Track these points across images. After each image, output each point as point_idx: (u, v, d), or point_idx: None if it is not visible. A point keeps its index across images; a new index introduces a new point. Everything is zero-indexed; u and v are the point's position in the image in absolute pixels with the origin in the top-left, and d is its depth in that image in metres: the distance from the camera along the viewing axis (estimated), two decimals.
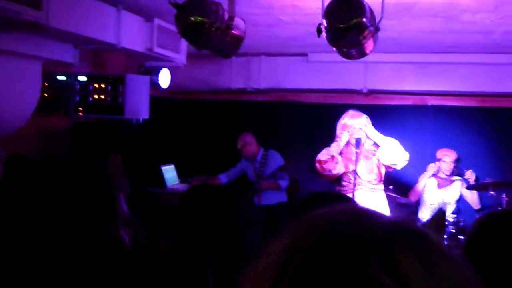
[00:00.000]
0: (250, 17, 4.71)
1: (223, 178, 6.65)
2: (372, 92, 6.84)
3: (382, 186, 5.19)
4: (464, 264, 0.67)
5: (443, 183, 6.34)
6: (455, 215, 5.99)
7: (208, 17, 2.91)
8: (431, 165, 6.36)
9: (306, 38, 5.28)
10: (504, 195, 5.78)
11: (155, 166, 6.40)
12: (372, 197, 5.03)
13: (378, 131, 5.46)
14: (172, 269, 1.48)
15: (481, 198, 6.27)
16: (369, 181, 5.05)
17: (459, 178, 6.33)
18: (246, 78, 6.85)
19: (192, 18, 2.89)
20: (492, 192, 5.87)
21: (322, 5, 3.02)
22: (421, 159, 6.64)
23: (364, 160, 5.06)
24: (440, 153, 6.34)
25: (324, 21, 2.89)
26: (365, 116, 5.14)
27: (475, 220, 1.63)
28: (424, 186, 6.31)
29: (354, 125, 5.01)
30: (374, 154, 5.11)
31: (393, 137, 6.73)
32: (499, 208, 5.59)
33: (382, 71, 6.67)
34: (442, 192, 6.31)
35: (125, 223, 1.90)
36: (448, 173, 6.28)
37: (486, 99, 6.75)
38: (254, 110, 7.21)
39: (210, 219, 1.75)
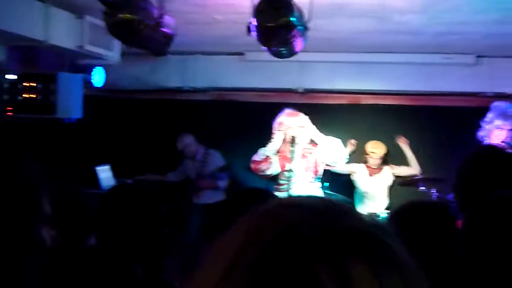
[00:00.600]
0: (184, 15, 4.69)
1: (172, 176, 6.67)
2: (308, 91, 6.91)
3: (319, 184, 5.26)
4: (420, 274, 0.64)
5: (374, 170, 6.55)
6: (388, 211, 6.16)
7: (137, 14, 2.87)
8: (352, 141, 6.58)
9: (241, 37, 5.21)
10: (434, 191, 5.99)
11: (90, 167, 6.28)
12: (308, 188, 5.09)
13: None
14: (99, 267, 1.46)
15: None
16: (305, 179, 5.10)
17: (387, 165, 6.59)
18: (183, 77, 6.80)
19: (120, 15, 2.85)
20: (422, 188, 6.08)
21: (252, 4, 3.04)
22: (355, 156, 6.80)
23: (301, 159, 5.11)
24: (368, 147, 6.55)
25: (253, 20, 2.90)
26: (302, 114, 5.18)
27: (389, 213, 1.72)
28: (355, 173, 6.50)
29: (290, 124, 5.05)
30: (311, 153, 5.17)
31: (329, 135, 6.91)
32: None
33: (317, 70, 6.76)
34: (374, 179, 6.51)
35: (46, 223, 1.85)
36: (376, 167, 6.51)
37: (418, 98, 6.95)
38: (191, 109, 7.16)
39: (132, 217, 1.73)
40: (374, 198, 6.50)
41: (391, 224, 1.84)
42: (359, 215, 0.66)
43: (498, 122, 4.65)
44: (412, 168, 6.57)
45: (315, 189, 5.17)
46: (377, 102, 7.09)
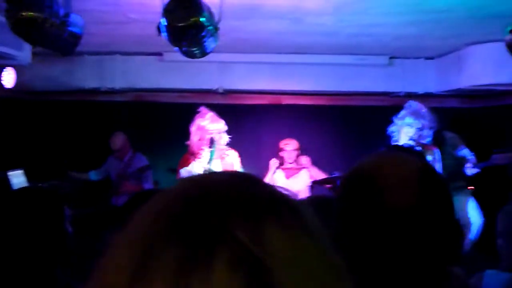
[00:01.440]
0: (97, 14, 4.60)
1: (93, 175, 6.52)
2: (228, 91, 6.95)
3: None
4: (330, 242, 0.66)
5: (290, 172, 6.65)
6: None
7: (41, 12, 2.79)
8: (273, 160, 6.64)
9: (158, 37, 5.25)
10: None
11: (1, 172, 6.03)
12: None
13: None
14: None
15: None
16: None
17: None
18: (100, 78, 6.65)
19: (23, 13, 2.76)
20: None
21: (162, 3, 3.03)
22: (276, 157, 6.89)
23: (219, 160, 5.14)
24: (281, 143, 6.65)
25: (163, 20, 2.89)
26: (223, 121, 5.22)
27: None
28: (273, 181, 6.57)
29: (212, 129, 5.08)
30: (228, 155, 5.20)
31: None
32: None
33: (237, 71, 6.80)
34: (291, 182, 6.61)
35: None
36: (291, 161, 6.59)
37: (335, 98, 7.15)
38: (110, 110, 7.03)
39: (30, 220, 1.70)
40: None
41: None
42: (271, 186, 0.69)
43: (409, 120, 4.84)
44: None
45: None
46: (297, 102, 7.23)
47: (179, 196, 0.64)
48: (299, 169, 6.62)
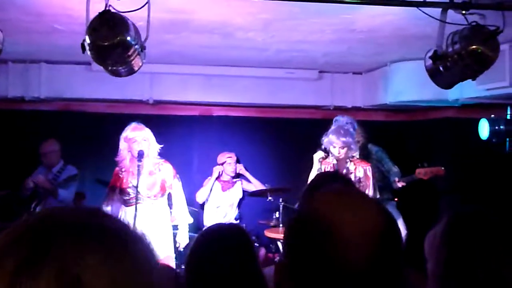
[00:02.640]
0: (21, 23, 4.50)
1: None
2: (158, 102, 6.91)
3: (165, 201, 5.22)
4: (152, 267, 0.81)
5: (226, 185, 6.72)
6: (237, 221, 6.34)
7: None
8: (217, 167, 6.69)
9: None
10: (280, 200, 6.27)
11: None
12: (152, 210, 5.05)
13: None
14: None
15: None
16: (148, 197, 5.03)
17: (239, 178, 6.79)
18: (25, 86, 6.43)
19: None
20: (270, 198, 6.33)
21: (87, 21, 3.00)
22: (207, 167, 6.93)
23: (147, 175, 5.07)
24: (223, 157, 6.72)
25: (87, 38, 2.86)
26: (147, 128, 5.13)
27: None
28: (211, 190, 6.61)
29: (135, 137, 5.00)
30: (160, 170, 5.13)
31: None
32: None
33: (168, 82, 6.75)
34: (226, 194, 6.67)
35: None
36: (233, 174, 6.71)
37: (265, 110, 7.24)
38: (35, 120, 6.83)
39: None
40: (225, 211, 6.64)
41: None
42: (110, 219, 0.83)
43: (332, 138, 4.95)
44: (258, 185, 6.80)
45: (160, 208, 5.13)
46: (228, 113, 7.27)
47: (27, 221, 0.80)
48: (235, 182, 6.72)
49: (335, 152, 4.97)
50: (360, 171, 5.14)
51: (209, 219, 6.50)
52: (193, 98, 6.89)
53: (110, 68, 2.98)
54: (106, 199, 5.13)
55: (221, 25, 4.53)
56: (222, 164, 6.73)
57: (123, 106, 6.93)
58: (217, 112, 7.27)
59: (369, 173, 5.13)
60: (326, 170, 5.28)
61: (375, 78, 6.63)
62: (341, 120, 5.44)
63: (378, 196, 5.26)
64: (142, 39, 3.11)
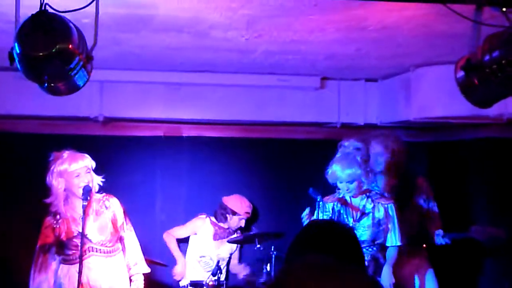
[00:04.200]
0: None
1: None
2: (110, 120, 6.93)
3: (119, 246, 5.26)
4: None
5: (221, 233, 6.72)
6: (214, 276, 6.33)
7: None
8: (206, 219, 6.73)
9: None
10: (272, 248, 6.28)
11: None
12: (106, 265, 5.08)
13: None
14: None
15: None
16: (102, 244, 5.09)
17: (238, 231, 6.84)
18: None
19: None
20: (259, 245, 6.33)
21: (16, 21, 3.07)
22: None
23: (94, 216, 5.10)
24: (241, 206, 6.70)
25: (16, 46, 2.93)
26: (87, 155, 5.16)
27: None
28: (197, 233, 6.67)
29: (79, 170, 5.04)
30: (107, 207, 5.17)
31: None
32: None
33: (123, 93, 6.79)
34: (217, 245, 6.69)
35: None
36: (236, 228, 6.75)
37: (252, 129, 7.28)
38: None
39: None
40: (208, 264, 6.65)
41: None
42: None
43: (336, 170, 5.07)
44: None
45: (116, 255, 5.18)
46: (202, 134, 7.31)
47: None
48: (231, 233, 6.75)
49: (342, 188, 5.04)
50: (379, 211, 5.21)
51: (187, 271, 6.53)
52: (156, 114, 6.94)
53: (46, 85, 3.04)
54: (37, 266, 5.03)
55: (191, 22, 4.62)
56: (232, 213, 6.71)
57: (63, 125, 6.96)
58: (188, 131, 7.31)
59: (392, 213, 5.20)
60: (336, 209, 5.39)
61: (394, 86, 6.73)
62: (346, 145, 5.52)
63: (399, 243, 5.31)
64: (89, 46, 3.18)
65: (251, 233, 6.60)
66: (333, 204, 5.51)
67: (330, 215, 5.44)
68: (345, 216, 5.46)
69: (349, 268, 1.34)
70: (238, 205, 6.70)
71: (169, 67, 6.49)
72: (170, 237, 6.68)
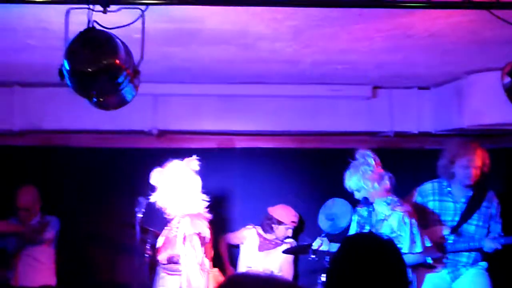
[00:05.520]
0: None
1: None
2: (164, 132, 7.09)
3: None
4: None
5: (266, 245, 6.78)
6: None
7: None
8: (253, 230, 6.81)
9: None
10: (327, 259, 6.28)
11: None
12: None
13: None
14: None
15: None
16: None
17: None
18: None
19: None
20: (313, 256, 6.33)
21: (65, 37, 3.21)
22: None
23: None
24: (287, 216, 6.80)
25: (66, 62, 3.06)
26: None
27: None
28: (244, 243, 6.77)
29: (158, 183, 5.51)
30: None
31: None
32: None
33: (176, 106, 6.95)
34: (262, 256, 6.75)
35: None
36: (282, 239, 6.82)
37: (304, 139, 7.34)
38: (9, 157, 7.09)
39: None
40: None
41: None
42: None
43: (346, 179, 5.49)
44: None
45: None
46: (254, 145, 7.40)
47: None
48: (279, 244, 6.81)
49: (355, 195, 5.43)
50: (394, 219, 5.25)
51: None
52: (209, 126, 7.08)
53: (95, 99, 3.17)
54: None
55: (238, 35, 4.72)
56: (278, 222, 6.80)
57: (118, 138, 7.16)
58: (240, 143, 7.42)
59: (407, 220, 5.22)
60: (362, 214, 5.56)
61: (447, 94, 6.71)
62: (357, 156, 5.55)
63: (415, 250, 5.25)
64: (136, 61, 3.30)
65: (305, 243, 6.61)
66: (361, 210, 5.63)
67: (357, 221, 5.63)
68: (365, 222, 5.58)
69: None
70: (284, 215, 6.78)
71: (220, 80, 6.61)
72: (222, 244, 6.81)
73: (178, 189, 5.49)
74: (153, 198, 5.50)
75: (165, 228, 5.66)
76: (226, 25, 4.45)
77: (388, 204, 5.29)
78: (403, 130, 7.17)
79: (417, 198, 5.90)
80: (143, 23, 3.22)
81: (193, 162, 5.60)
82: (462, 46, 5.05)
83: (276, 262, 6.77)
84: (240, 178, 7.35)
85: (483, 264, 5.75)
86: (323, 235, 6.40)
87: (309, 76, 6.34)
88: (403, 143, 7.46)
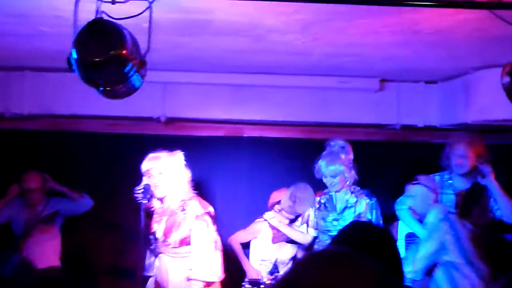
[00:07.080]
0: (3, 26, 4.87)
1: None
2: (173, 120, 7.14)
3: (187, 260, 5.46)
4: None
5: (280, 236, 6.77)
6: (272, 276, 6.43)
7: None
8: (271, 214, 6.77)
9: None
10: None
11: None
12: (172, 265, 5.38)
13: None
14: None
15: None
16: (167, 250, 5.42)
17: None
18: (4, 100, 6.78)
19: None
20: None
21: (74, 27, 3.25)
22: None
23: (169, 217, 5.42)
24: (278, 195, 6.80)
25: (74, 52, 3.10)
26: (165, 156, 5.45)
27: None
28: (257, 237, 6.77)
29: (150, 170, 5.30)
30: (184, 210, 5.42)
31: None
32: None
33: (185, 94, 6.99)
34: (277, 248, 6.75)
35: None
36: (288, 221, 6.82)
37: (311, 130, 7.36)
38: (16, 141, 7.16)
39: None
40: (269, 267, 6.72)
41: None
42: None
43: (321, 166, 5.92)
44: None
45: (181, 269, 5.41)
46: (263, 134, 7.43)
47: None
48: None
49: (327, 182, 5.75)
50: (361, 205, 5.74)
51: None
52: (218, 114, 7.12)
53: (102, 88, 3.21)
54: None
55: (248, 27, 4.75)
56: (274, 206, 6.76)
57: (127, 125, 7.20)
58: (249, 132, 7.45)
59: (374, 208, 5.77)
60: (322, 202, 5.98)
61: (454, 89, 6.73)
62: (332, 144, 5.97)
63: None
64: (142, 51, 3.33)
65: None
66: (320, 198, 6.06)
67: (317, 208, 6.04)
68: (329, 209, 5.98)
69: (358, 257, 1.40)
70: (276, 195, 6.78)
71: (230, 69, 6.65)
72: (235, 242, 6.74)
73: (169, 178, 5.43)
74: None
75: (154, 216, 5.59)
76: (235, 17, 4.49)
77: (352, 192, 5.82)
78: (409, 123, 7.19)
79: None
80: (150, 14, 3.25)
81: (179, 155, 5.53)
82: (469, 43, 5.07)
83: (289, 254, 6.76)
84: (248, 167, 7.37)
85: None
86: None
87: (318, 68, 6.38)
88: (409, 136, 7.47)
